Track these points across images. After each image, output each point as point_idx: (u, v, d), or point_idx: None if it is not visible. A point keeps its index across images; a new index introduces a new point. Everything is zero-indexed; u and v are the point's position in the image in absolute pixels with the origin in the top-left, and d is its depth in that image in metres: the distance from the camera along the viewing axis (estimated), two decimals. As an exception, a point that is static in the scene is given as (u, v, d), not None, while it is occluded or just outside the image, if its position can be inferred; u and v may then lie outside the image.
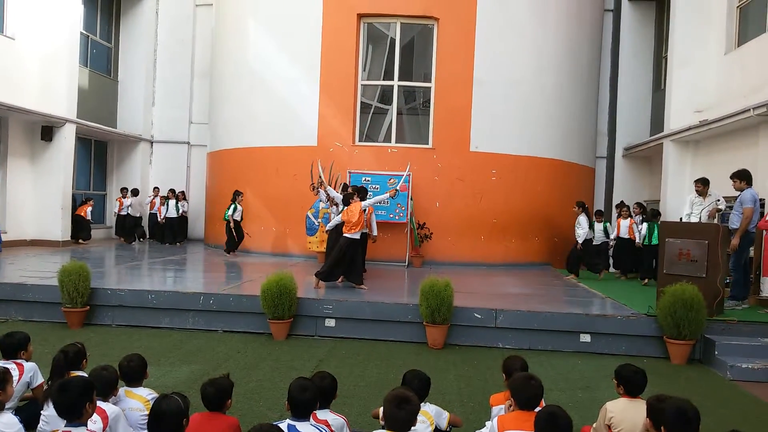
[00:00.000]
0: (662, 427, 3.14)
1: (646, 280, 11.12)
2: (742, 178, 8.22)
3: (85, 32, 15.85)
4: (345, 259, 8.94)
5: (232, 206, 12.93)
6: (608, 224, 12.67)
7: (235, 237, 13.10)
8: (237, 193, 13.05)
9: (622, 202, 13.77)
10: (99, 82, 16.87)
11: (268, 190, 13.42)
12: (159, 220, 16.47)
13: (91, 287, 7.76)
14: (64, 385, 3.16)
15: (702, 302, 6.82)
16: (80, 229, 15.28)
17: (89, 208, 15.39)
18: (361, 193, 9.51)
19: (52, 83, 14.14)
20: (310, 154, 12.92)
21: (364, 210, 9.29)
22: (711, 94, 12.06)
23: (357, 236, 8.98)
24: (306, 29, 13.33)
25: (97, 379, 3.54)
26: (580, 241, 11.24)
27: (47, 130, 14.23)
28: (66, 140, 14.44)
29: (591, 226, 12.81)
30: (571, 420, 3.04)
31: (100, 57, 17.06)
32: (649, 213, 11.75)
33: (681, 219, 9.47)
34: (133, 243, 16.25)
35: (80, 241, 15.20)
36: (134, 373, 4.01)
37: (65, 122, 14.30)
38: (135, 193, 16.60)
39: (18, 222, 14.07)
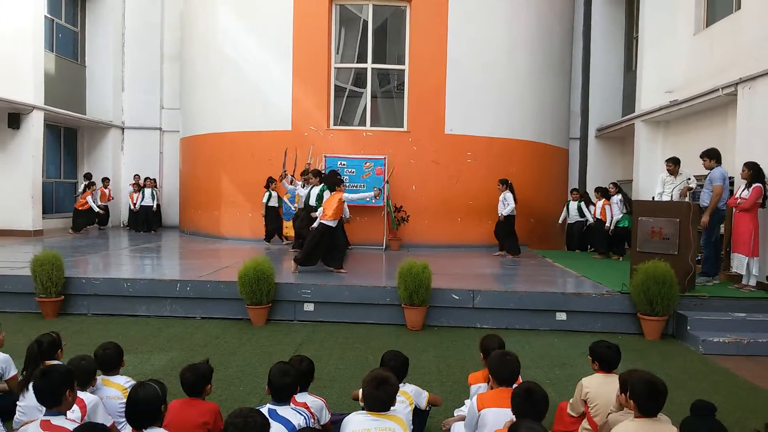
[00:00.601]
0: (630, 401, 3.20)
1: (617, 257, 11.79)
2: (712, 156, 8.40)
3: (49, 16, 15.42)
4: (321, 246, 8.93)
5: (267, 194, 12.69)
6: (582, 204, 12.86)
7: (267, 224, 12.89)
8: (271, 180, 12.72)
9: (574, 189, 14.03)
10: (66, 68, 16.47)
11: (244, 176, 13.30)
12: (132, 208, 16.22)
13: (65, 276, 7.65)
14: (46, 371, 3.16)
15: (674, 279, 6.96)
16: (87, 219, 15.26)
17: (89, 197, 15.07)
18: (333, 178, 9.60)
19: (17, 69, 13.73)
20: (285, 139, 12.85)
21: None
22: (681, 75, 12.21)
23: (333, 224, 8.97)
24: (277, 12, 13.15)
25: (76, 369, 3.50)
26: (505, 213, 11.65)
27: (14, 118, 13.87)
28: (34, 128, 14.10)
29: (566, 206, 13.10)
30: (547, 395, 3.10)
31: (66, 41, 16.63)
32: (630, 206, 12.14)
33: (653, 198, 9.62)
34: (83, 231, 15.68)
35: (99, 227, 16.12)
36: (110, 361, 3.98)
37: (32, 109, 13.96)
38: (88, 177, 15.92)
39: (-14, 212, 13.77)
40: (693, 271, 7.73)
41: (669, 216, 7.58)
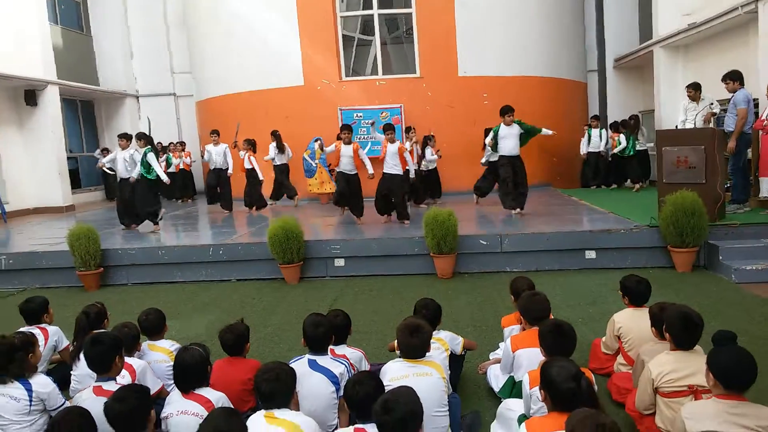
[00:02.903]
0: (667, 334, 3.23)
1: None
2: (735, 78, 8.07)
3: (50, -12, 15.30)
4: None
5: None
6: (603, 131, 12.83)
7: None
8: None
9: (595, 116, 13.99)
10: (73, 39, 16.40)
11: (260, 135, 13.28)
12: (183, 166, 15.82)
13: (102, 248, 7.83)
14: (96, 338, 3.30)
15: (703, 208, 6.82)
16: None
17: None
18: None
19: (25, 45, 13.66)
20: (299, 94, 12.81)
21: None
22: (699, -5, 11.77)
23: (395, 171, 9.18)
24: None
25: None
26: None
27: (30, 95, 13.94)
28: (51, 103, 14.18)
29: (588, 135, 13.07)
30: (574, 330, 3.12)
31: (70, 12, 16.50)
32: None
33: (676, 126, 9.41)
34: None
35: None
36: (153, 326, 4.12)
37: (47, 84, 14.01)
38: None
39: (18, 191, 13.96)
40: (722, 199, 7.53)
41: (693, 144, 7.37)
